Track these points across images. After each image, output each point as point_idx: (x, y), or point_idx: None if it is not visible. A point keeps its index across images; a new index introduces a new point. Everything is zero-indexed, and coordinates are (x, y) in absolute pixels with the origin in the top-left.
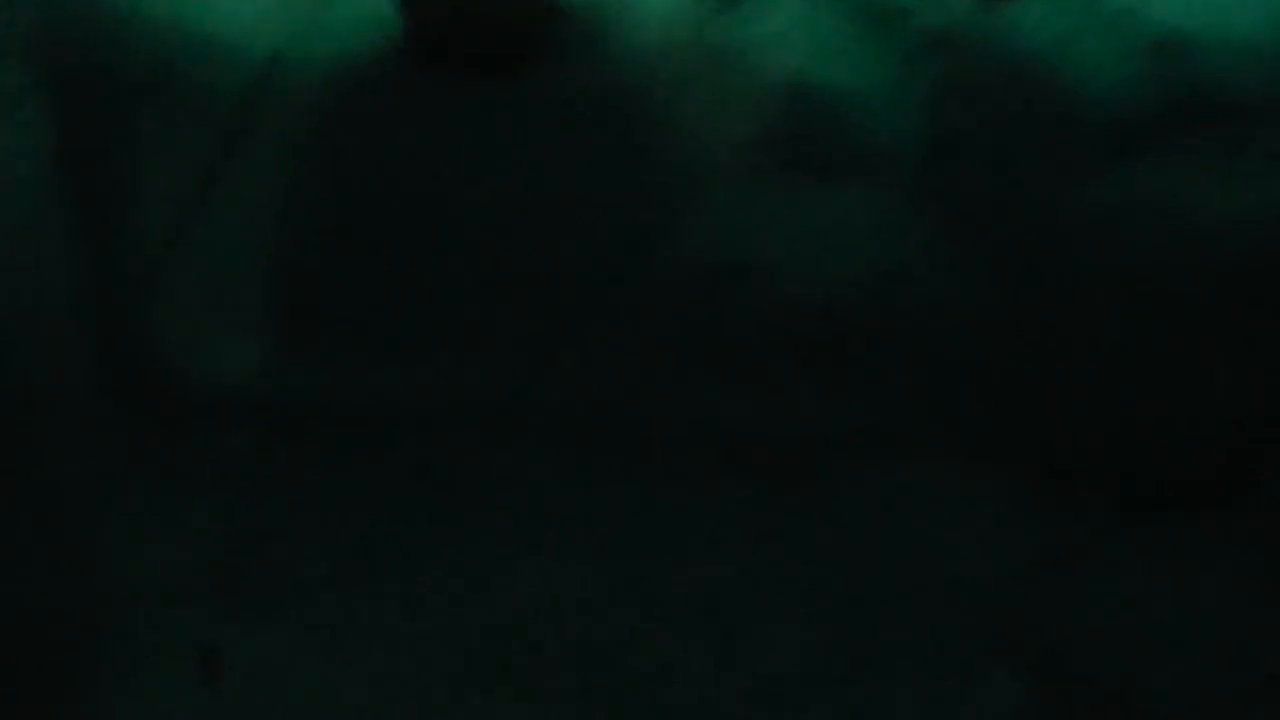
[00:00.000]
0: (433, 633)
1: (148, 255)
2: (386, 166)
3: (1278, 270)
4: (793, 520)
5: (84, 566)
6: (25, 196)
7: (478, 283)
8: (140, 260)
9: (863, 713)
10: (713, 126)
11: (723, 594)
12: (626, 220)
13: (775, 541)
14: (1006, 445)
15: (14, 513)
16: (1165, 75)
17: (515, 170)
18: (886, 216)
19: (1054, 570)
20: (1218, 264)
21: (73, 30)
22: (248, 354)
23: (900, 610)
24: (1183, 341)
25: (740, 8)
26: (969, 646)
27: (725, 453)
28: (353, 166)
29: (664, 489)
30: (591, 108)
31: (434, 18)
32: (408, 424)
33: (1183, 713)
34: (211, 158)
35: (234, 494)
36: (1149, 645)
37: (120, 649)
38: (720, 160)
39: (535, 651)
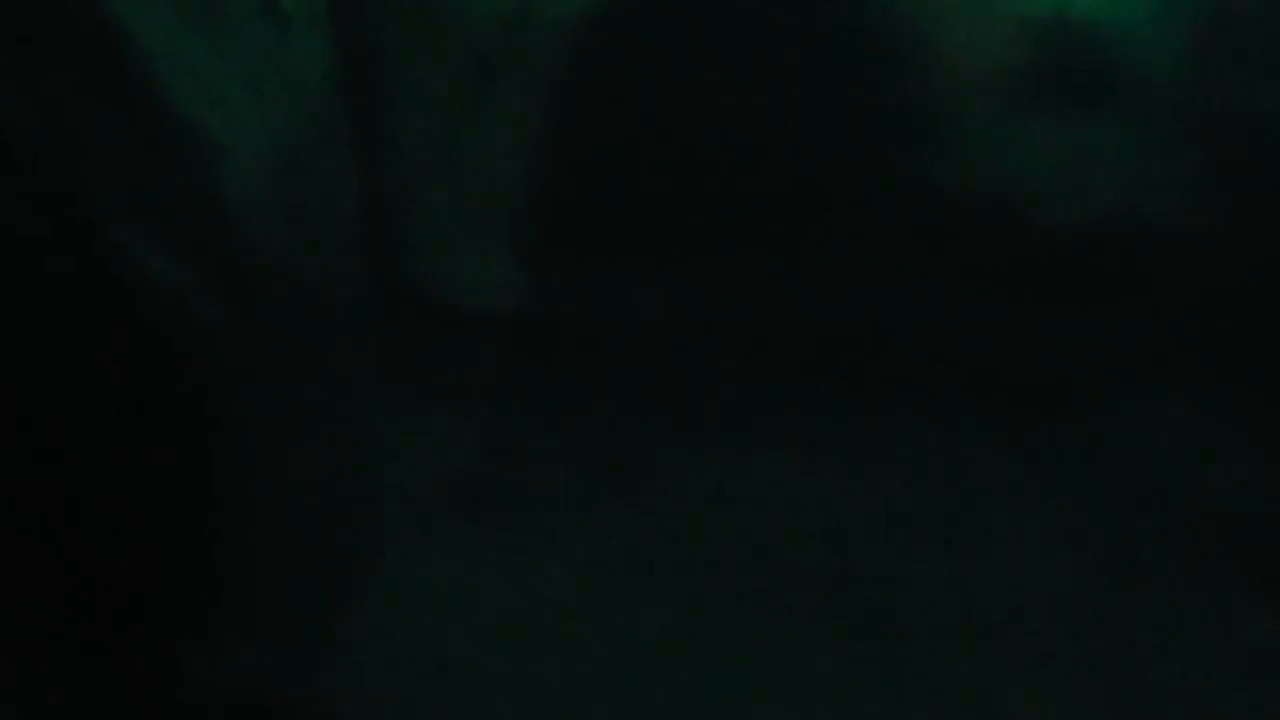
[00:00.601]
0: (678, 547)
1: (411, 176)
2: (636, 95)
3: None
4: (1053, 446)
5: (347, 471)
6: (314, 118)
7: (731, 204)
8: (404, 181)
9: (1124, 639)
10: (978, 53)
11: (970, 516)
12: (887, 144)
13: (1032, 466)
14: (1272, 376)
15: (284, 415)
16: None
17: (770, 96)
18: (1150, 146)
19: None
20: None
21: None
22: (501, 274)
23: (1161, 541)
24: None
25: None
26: (1235, 579)
27: (981, 376)
28: (605, 95)
29: (913, 411)
30: (857, 31)
31: None
32: (655, 344)
33: None
34: (473, 83)
35: (487, 409)
36: None
37: (377, 551)
38: (984, 87)
39: (779, 567)
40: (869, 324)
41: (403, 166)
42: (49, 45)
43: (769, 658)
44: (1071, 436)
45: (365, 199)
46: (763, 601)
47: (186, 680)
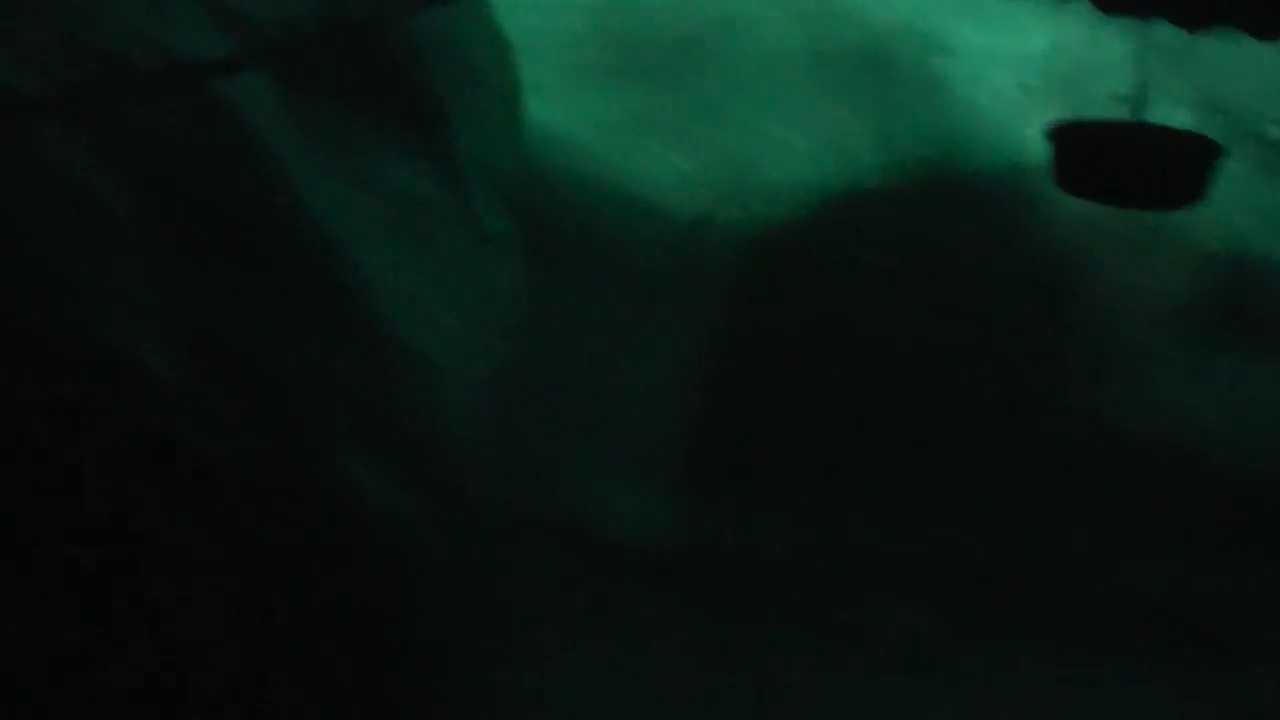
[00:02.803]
0: None
1: (570, 403)
2: (792, 331)
3: None
4: (1220, 689)
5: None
6: (511, 339)
7: (886, 442)
8: (562, 407)
9: None
10: (1151, 289)
11: None
12: (1055, 378)
13: (1202, 710)
14: None
15: (477, 643)
16: None
17: (934, 332)
18: None
19: None
20: None
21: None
22: (651, 506)
23: None
24: None
25: None
26: None
27: (1148, 619)
28: (761, 330)
29: (1077, 654)
30: (1030, 260)
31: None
32: (807, 581)
33: None
34: (632, 310)
35: (638, 645)
36: None
37: None
38: (1155, 323)
39: None
40: (1030, 563)
41: (561, 392)
42: (279, 271)
43: None
44: (1239, 680)
45: (511, 419)
46: None
47: None
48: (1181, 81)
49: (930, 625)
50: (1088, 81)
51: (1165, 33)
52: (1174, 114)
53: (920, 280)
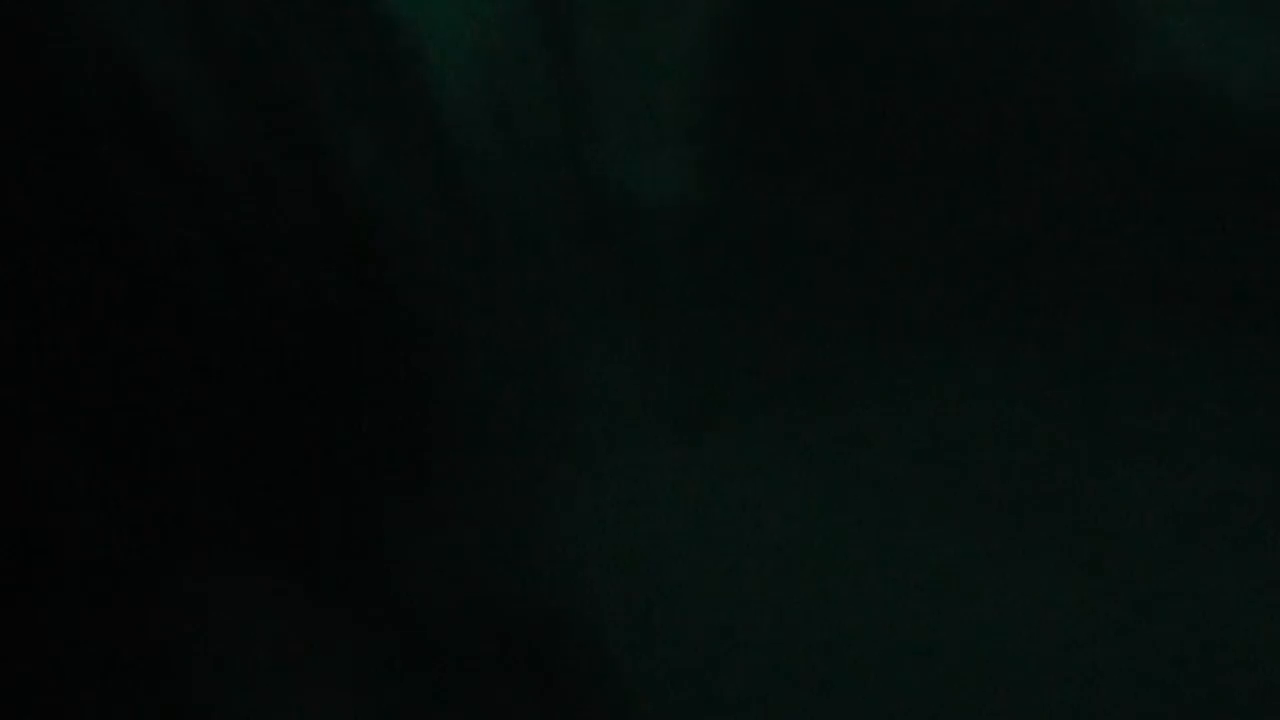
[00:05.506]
0: (858, 454)
1: (591, 68)
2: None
3: None
4: (1252, 362)
5: (533, 377)
6: (511, 12)
7: (924, 120)
8: (584, 72)
9: None
10: None
11: (1160, 426)
12: (1086, 49)
13: (1227, 380)
14: None
15: (487, 316)
16: None
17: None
18: None
19: None
20: None
21: None
22: (679, 171)
23: None
24: None
25: None
26: None
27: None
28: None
29: (1102, 326)
30: None
31: None
32: (831, 255)
33: None
34: None
35: (666, 310)
36: None
37: (578, 451)
38: None
39: (961, 475)
40: (1060, 244)
41: (582, 57)
42: None
43: (946, 562)
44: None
45: (541, 93)
46: (941, 504)
47: (403, 561)
48: None
49: (947, 301)
50: None
51: None
52: None
53: None
